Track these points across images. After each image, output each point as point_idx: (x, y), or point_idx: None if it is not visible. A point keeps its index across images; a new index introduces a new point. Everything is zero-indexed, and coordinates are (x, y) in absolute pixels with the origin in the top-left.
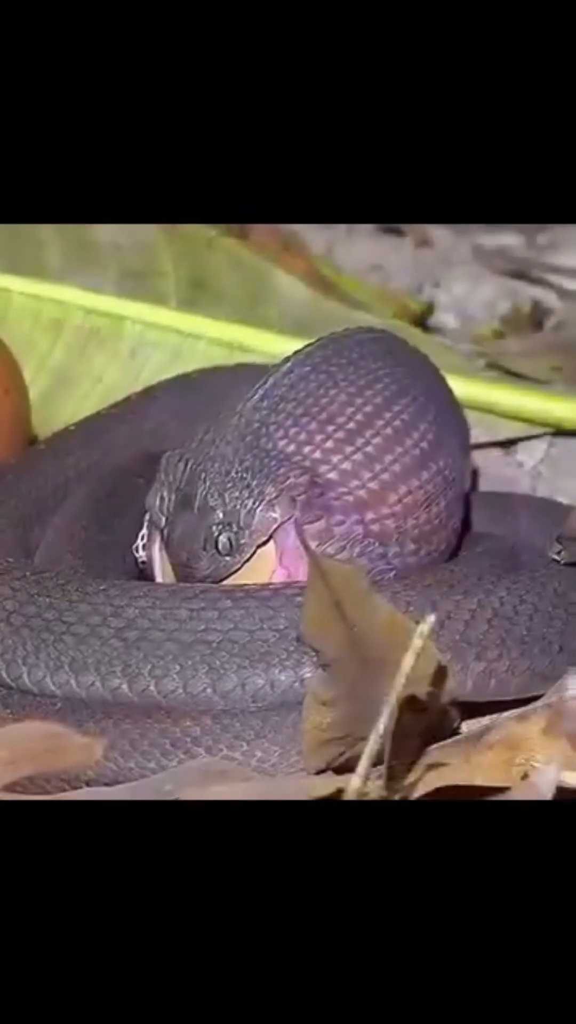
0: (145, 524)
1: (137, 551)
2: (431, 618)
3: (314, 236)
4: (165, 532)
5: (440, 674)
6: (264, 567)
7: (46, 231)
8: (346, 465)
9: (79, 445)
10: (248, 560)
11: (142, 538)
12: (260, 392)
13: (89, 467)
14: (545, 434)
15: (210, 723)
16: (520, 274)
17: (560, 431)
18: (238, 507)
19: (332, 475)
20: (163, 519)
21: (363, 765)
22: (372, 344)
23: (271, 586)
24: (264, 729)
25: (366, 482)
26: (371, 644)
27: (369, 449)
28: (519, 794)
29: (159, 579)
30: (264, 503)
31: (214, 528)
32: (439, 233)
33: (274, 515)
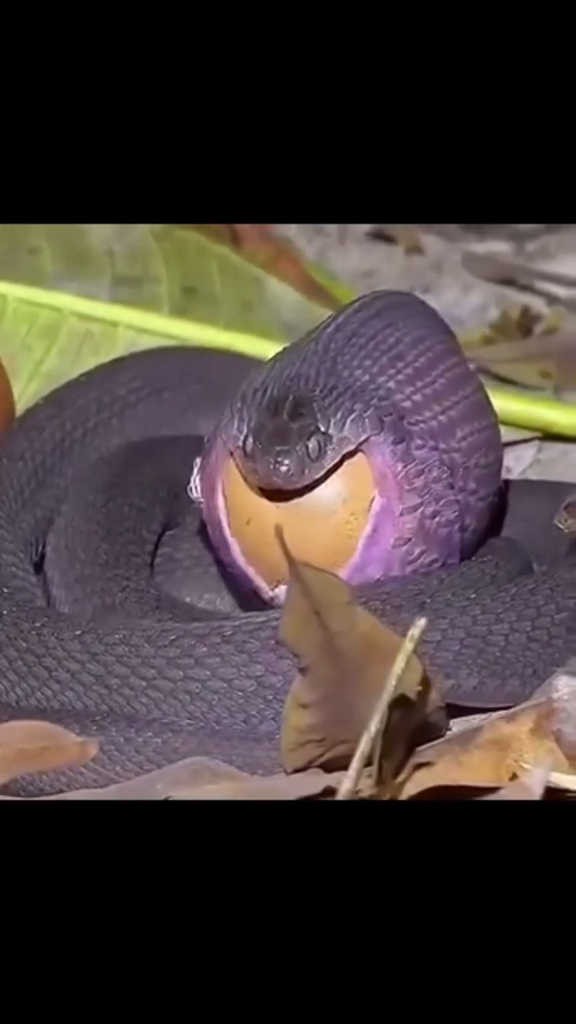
0: (196, 467)
1: (191, 491)
2: (421, 621)
3: (306, 242)
4: (247, 442)
5: (430, 675)
6: (360, 488)
7: (41, 238)
8: (418, 397)
9: (47, 418)
10: (334, 470)
11: (194, 479)
12: (332, 327)
13: (63, 438)
14: (534, 438)
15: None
16: (510, 281)
17: (549, 435)
18: (328, 416)
19: (407, 404)
20: (241, 437)
21: (355, 766)
22: (416, 305)
23: (244, 626)
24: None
25: (436, 415)
26: (349, 653)
27: (437, 387)
28: (509, 794)
29: (221, 511)
30: (354, 415)
31: (306, 429)
32: (430, 240)
33: (362, 428)
